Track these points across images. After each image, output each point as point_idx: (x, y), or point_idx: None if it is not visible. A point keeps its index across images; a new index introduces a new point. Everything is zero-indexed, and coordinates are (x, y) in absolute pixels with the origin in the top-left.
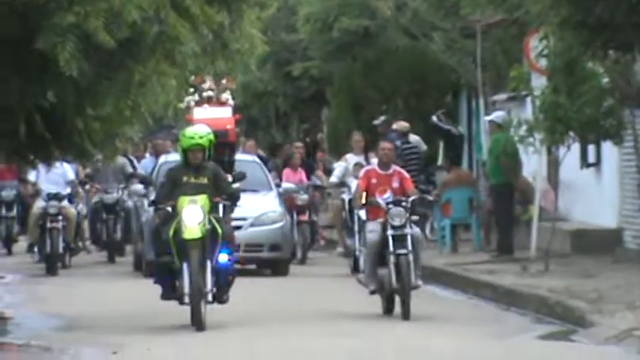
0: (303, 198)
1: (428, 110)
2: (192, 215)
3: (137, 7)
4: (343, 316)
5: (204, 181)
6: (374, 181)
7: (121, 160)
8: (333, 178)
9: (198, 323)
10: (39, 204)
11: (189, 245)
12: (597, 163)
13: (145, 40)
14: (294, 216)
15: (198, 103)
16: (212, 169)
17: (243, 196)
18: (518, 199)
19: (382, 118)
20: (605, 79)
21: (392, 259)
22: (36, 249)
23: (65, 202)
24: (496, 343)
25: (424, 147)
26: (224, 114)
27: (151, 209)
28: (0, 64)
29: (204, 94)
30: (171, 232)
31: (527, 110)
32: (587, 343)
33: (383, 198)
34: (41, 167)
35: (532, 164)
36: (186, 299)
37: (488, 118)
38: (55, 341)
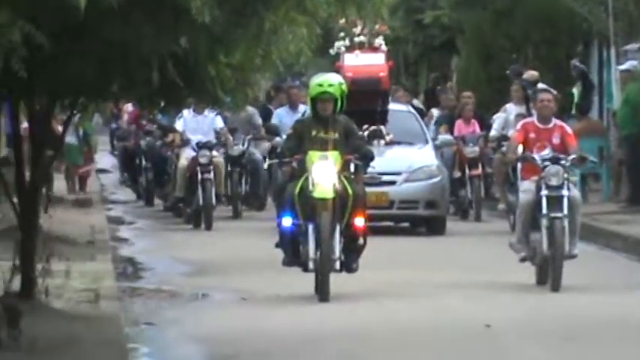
0: (473, 150)
1: (559, 59)
2: (324, 172)
3: None
4: (489, 286)
5: (335, 135)
6: (532, 135)
7: (250, 109)
8: (493, 131)
9: (323, 293)
10: (187, 154)
11: (318, 205)
12: None
13: None
14: (466, 170)
15: (349, 49)
16: (344, 122)
17: (397, 149)
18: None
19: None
20: None
21: (545, 222)
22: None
23: (215, 152)
24: (626, 294)
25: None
26: (377, 60)
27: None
28: (133, 13)
29: (356, 39)
30: (297, 190)
31: None
32: None
33: (541, 155)
34: (188, 115)
35: None
36: (311, 266)
37: (621, 67)
38: (185, 286)
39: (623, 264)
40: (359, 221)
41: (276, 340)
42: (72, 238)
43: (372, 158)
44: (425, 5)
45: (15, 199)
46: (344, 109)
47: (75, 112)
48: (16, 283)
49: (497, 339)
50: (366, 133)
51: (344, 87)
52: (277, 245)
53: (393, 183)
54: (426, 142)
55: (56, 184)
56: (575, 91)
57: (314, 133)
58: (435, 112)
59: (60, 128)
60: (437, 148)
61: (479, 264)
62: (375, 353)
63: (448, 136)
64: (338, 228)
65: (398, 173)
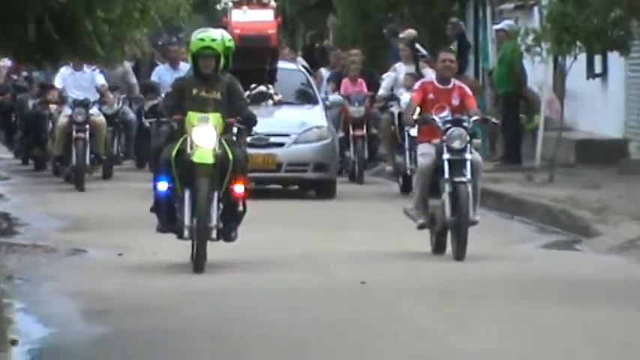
0: (358, 110)
1: (435, 18)
2: (204, 136)
3: None
4: (382, 255)
5: (217, 95)
6: (431, 96)
7: (122, 67)
8: (382, 91)
9: (198, 263)
10: (65, 112)
11: (197, 171)
12: (604, 74)
13: None
14: (350, 130)
15: (236, 4)
16: (227, 82)
17: (286, 109)
18: (523, 109)
19: (402, 31)
20: None
21: (447, 187)
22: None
23: (94, 109)
24: (500, 251)
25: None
26: (266, 17)
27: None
28: None
29: None
30: (174, 152)
31: (534, 20)
32: (591, 253)
33: (440, 116)
34: (65, 71)
35: (538, 74)
36: (186, 233)
37: (497, 26)
38: (60, 242)
39: (497, 222)
40: (239, 188)
41: (150, 295)
42: None
43: (255, 122)
44: None
45: None
46: (230, 68)
47: None
48: None
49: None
50: (253, 93)
51: (229, 43)
52: (152, 210)
53: (281, 145)
54: (316, 102)
55: None
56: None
57: (195, 91)
58: (324, 71)
59: None
60: (327, 108)
61: (367, 227)
62: (249, 311)
63: (338, 97)
64: (216, 195)
65: (286, 135)
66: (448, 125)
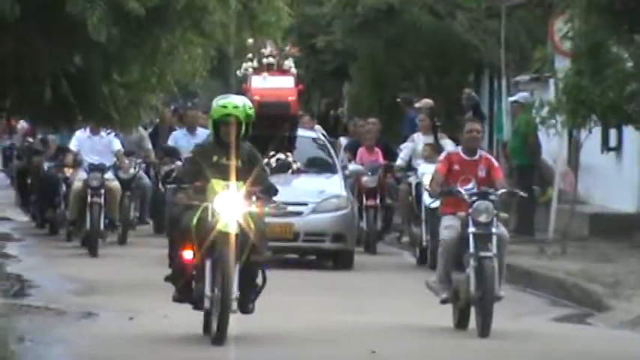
0: (372, 179)
1: (450, 89)
2: (227, 204)
3: None
4: (406, 331)
5: (238, 163)
6: (456, 167)
7: (141, 131)
8: (399, 161)
9: (219, 337)
10: (80, 175)
11: (220, 240)
12: (618, 148)
13: (173, 9)
14: (364, 200)
15: (256, 71)
16: (248, 149)
17: (304, 177)
18: (537, 181)
19: (418, 101)
20: (630, 64)
21: (472, 262)
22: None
23: (109, 174)
24: (512, 325)
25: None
26: (286, 84)
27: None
28: (28, 29)
29: (265, 60)
30: (194, 220)
31: (549, 92)
32: (603, 327)
33: (465, 189)
34: (82, 134)
35: (552, 146)
36: (207, 304)
37: (512, 98)
38: (72, 305)
39: (509, 294)
40: (259, 258)
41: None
42: None
43: (276, 193)
44: (317, 30)
45: None
46: (250, 134)
47: None
48: None
49: None
50: (272, 162)
51: (250, 111)
52: (167, 279)
53: (299, 214)
54: (335, 171)
55: None
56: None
57: (215, 159)
58: (343, 140)
59: None
60: (346, 177)
61: (390, 305)
62: None
63: (359, 166)
64: (237, 266)
65: (304, 204)
66: (474, 198)
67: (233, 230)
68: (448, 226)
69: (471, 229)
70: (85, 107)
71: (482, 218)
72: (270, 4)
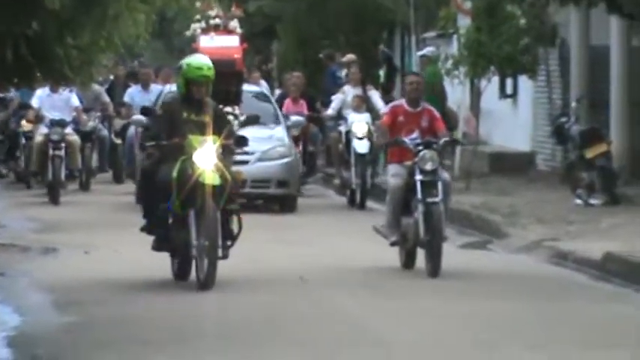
0: (295, 128)
1: (366, 45)
2: (207, 158)
3: None
4: (358, 270)
5: (206, 119)
6: (401, 118)
7: (96, 87)
8: (330, 110)
9: (207, 282)
10: (41, 130)
11: (205, 191)
12: (514, 95)
13: None
14: None
15: (204, 31)
16: (213, 106)
17: (250, 129)
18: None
19: (340, 57)
20: (522, 21)
21: (421, 207)
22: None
23: (69, 129)
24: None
25: None
26: (232, 43)
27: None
28: None
29: (212, 21)
30: (174, 174)
31: (453, 47)
32: (501, 252)
33: (410, 138)
34: (42, 92)
35: (457, 95)
36: (194, 252)
37: (420, 53)
38: (34, 242)
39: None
40: (234, 207)
41: (115, 288)
42: None
43: (246, 143)
44: None
45: None
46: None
47: None
48: None
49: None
50: (246, 116)
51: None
52: (143, 229)
53: (245, 162)
54: (279, 122)
55: None
56: (381, 73)
57: (185, 115)
58: (347, 88)
59: None
60: (288, 128)
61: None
62: (201, 296)
63: (300, 118)
64: (218, 215)
65: (251, 153)
66: (419, 147)
67: (217, 182)
68: (395, 174)
69: (418, 177)
70: (43, 67)
71: (428, 166)
72: None
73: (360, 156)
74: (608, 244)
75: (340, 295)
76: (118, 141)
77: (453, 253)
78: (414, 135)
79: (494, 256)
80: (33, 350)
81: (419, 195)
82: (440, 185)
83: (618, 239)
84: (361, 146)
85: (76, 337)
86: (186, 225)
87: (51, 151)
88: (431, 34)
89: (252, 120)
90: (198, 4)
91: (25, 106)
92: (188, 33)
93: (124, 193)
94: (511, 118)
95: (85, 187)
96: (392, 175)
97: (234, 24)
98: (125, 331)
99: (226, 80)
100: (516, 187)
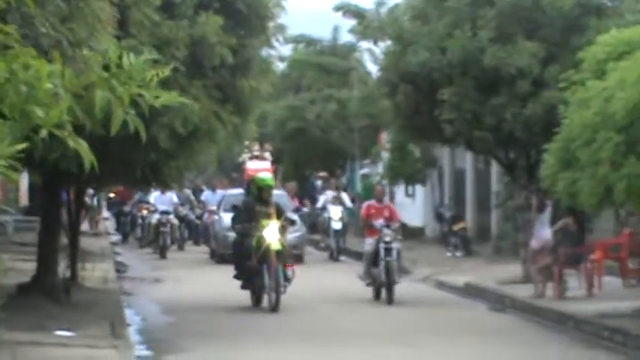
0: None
1: (332, 167)
2: (273, 234)
3: (197, 115)
4: (351, 301)
5: (271, 210)
6: (372, 211)
7: (187, 191)
8: (319, 204)
9: (275, 307)
10: (155, 216)
11: (272, 254)
12: (413, 195)
13: (200, 132)
14: None
15: (250, 158)
16: (275, 202)
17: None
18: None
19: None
20: (417, 154)
21: (382, 263)
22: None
23: (171, 216)
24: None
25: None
26: (265, 165)
27: (227, 224)
28: (125, 149)
29: (254, 152)
30: (254, 243)
31: (379, 168)
32: (410, 282)
33: (378, 222)
34: (156, 194)
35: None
36: (266, 291)
37: (361, 172)
38: (148, 276)
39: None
40: (287, 264)
41: (198, 302)
42: (93, 252)
43: (294, 224)
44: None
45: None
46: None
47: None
48: (68, 273)
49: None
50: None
51: (273, 181)
52: (235, 277)
53: None
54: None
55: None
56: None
57: (257, 208)
58: (328, 192)
59: (87, 199)
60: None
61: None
62: (263, 313)
63: (304, 209)
64: (281, 267)
65: None
66: (383, 227)
67: (279, 247)
68: (369, 243)
69: (382, 245)
70: (156, 179)
71: (388, 239)
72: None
73: (335, 231)
74: (466, 278)
75: (333, 311)
76: (198, 222)
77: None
78: (381, 220)
79: (407, 284)
80: (151, 335)
81: (382, 255)
82: (394, 251)
83: (471, 275)
84: (337, 225)
85: (175, 330)
86: (262, 274)
87: (162, 228)
88: (367, 161)
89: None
90: (246, 142)
91: (141, 201)
92: (240, 159)
93: (202, 252)
94: (411, 207)
95: (180, 248)
96: (367, 244)
97: (267, 154)
98: (208, 328)
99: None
100: (415, 246)
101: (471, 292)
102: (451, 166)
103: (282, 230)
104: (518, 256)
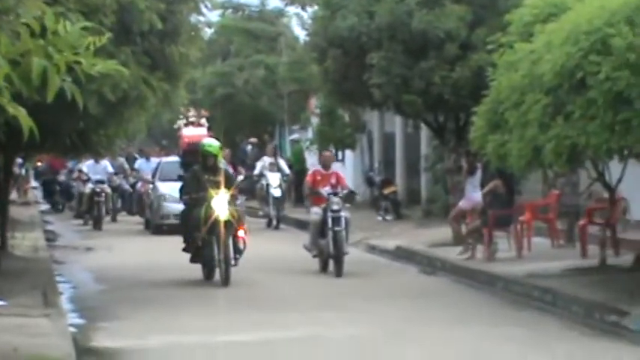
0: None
1: (260, 133)
2: (222, 204)
3: (126, 82)
4: (295, 272)
5: (220, 178)
6: (318, 177)
7: (120, 159)
8: (256, 171)
9: (226, 281)
10: (89, 186)
11: (219, 224)
12: (343, 159)
13: (130, 98)
14: None
15: (186, 125)
16: (223, 169)
17: None
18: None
19: (247, 139)
20: (347, 119)
21: (330, 234)
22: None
23: (105, 186)
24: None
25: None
26: (201, 131)
27: (163, 193)
28: (58, 116)
29: (190, 119)
30: (202, 214)
31: (309, 133)
32: None
33: (324, 189)
34: (89, 163)
35: (311, 160)
36: (216, 263)
37: (290, 137)
38: (80, 245)
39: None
40: (240, 232)
41: (129, 270)
42: (23, 221)
43: (243, 191)
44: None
45: None
46: (181, 161)
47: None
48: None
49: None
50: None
51: (218, 147)
52: (184, 250)
53: None
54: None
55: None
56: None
57: (206, 176)
58: (265, 158)
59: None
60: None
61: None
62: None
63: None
64: (231, 238)
65: None
66: (330, 195)
67: (227, 218)
68: (315, 212)
69: (329, 214)
70: (86, 147)
71: (335, 207)
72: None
73: (275, 198)
74: (397, 241)
75: (274, 281)
76: (132, 191)
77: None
78: (327, 188)
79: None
80: (83, 304)
81: (329, 225)
82: (342, 220)
83: (402, 238)
84: (276, 192)
85: (107, 296)
86: (211, 246)
87: (96, 198)
88: (296, 126)
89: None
90: (181, 108)
91: (74, 170)
92: (175, 125)
93: (136, 222)
94: (341, 172)
95: (113, 219)
96: (314, 213)
97: (203, 121)
98: (142, 296)
99: (198, 154)
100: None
101: (402, 255)
102: (380, 131)
103: (232, 200)
104: (448, 219)
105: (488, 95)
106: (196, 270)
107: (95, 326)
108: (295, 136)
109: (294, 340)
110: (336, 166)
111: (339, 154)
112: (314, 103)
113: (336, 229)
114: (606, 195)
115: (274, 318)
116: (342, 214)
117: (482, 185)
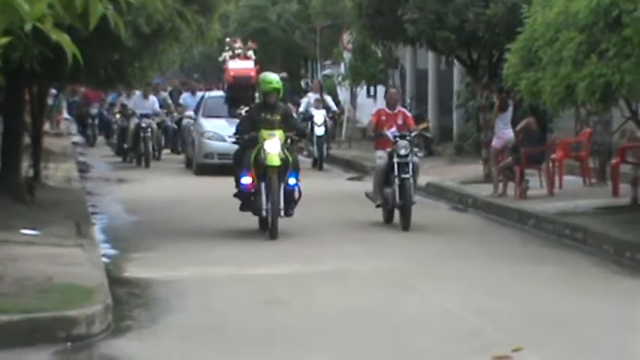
0: None
1: (293, 68)
2: (273, 146)
3: (160, 14)
4: (356, 224)
5: (277, 117)
6: (383, 118)
7: (164, 94)
8: (301, 108)
9: (273, 233)
10: (134, 121)
11: (269, 170)
12: (375, 95)
13: (164, 31)
14: None
15: (231, 57)
16: (283, 108)
17: None
18: (339, 112)
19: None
20: (379, 55)
21: (397, 181)
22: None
23: (151, 120)
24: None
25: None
26: (249, 65)
27: (207, 130)
28: (94, 47)
29: (236, 51)
30: (252, 157)
31: (341, 69)
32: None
33: (390, 132)
34: (137, 97)
35: (343, 96)
36: (264, 213)
37: (323, 73)
38: (113, 177)
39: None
40: (292, 180)
41: (161, 203)
42: (56, 152)
43: (304, 134)
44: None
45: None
46: (227, 95)
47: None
48: (31, 172)
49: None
50: (243, 112)
51: (281, 83)
52: (235, 195)
53: None
54: None
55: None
56: (303, 83)
57: (262, 115)
58: (310, 94)
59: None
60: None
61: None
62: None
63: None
64: (282, 186)
65: None
66: (397, 138)
67: (277, 163)
68: (380, 157)
69: (395, 159)
70: (121, 80)
71: (402, 152)
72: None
73: (319, 137)
74: (428, 178)
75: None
76: (176, 127)
77: (344, 183)
78: (393, 129)
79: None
80: (116, 235)
81: (395, 172)
82: (411, 166)
83: (433, 175)
84: (320, 131)
85: (139, 228)
86: (260, 194)
87: (142, 134)
88: (328, 62)
89: (307, 118)
90: (227, 39)
91: (113, 103)
92: (220, 58)
93: (178, 161)
94: (373, 108)
95: (157, 157)
96: (378, 158)
97: (250, 53)
98: (174, 227)
99: (245, 89)
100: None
101: (433, 191)
102: (413, 67)
103: (288, 143)
104: (480, 156)
105: (522, 32)
106: (231, 204)
107: (128, 257)
108: (327, 71)
109: (327, 274)
110: (368, 103)
111: (371, 89)
112: (346, 38)
113: (403, 176)
114: (639, 134)
115: (305, 252)
116: (410, 159)
117: (514, 123)
